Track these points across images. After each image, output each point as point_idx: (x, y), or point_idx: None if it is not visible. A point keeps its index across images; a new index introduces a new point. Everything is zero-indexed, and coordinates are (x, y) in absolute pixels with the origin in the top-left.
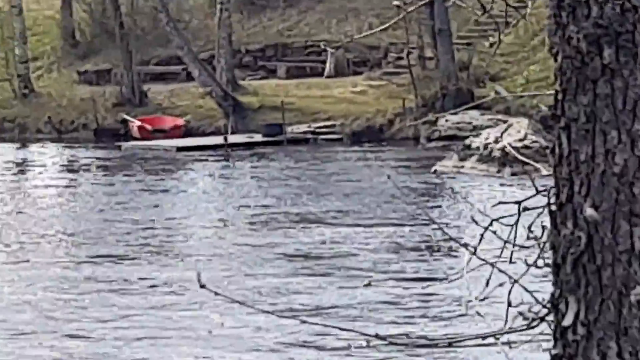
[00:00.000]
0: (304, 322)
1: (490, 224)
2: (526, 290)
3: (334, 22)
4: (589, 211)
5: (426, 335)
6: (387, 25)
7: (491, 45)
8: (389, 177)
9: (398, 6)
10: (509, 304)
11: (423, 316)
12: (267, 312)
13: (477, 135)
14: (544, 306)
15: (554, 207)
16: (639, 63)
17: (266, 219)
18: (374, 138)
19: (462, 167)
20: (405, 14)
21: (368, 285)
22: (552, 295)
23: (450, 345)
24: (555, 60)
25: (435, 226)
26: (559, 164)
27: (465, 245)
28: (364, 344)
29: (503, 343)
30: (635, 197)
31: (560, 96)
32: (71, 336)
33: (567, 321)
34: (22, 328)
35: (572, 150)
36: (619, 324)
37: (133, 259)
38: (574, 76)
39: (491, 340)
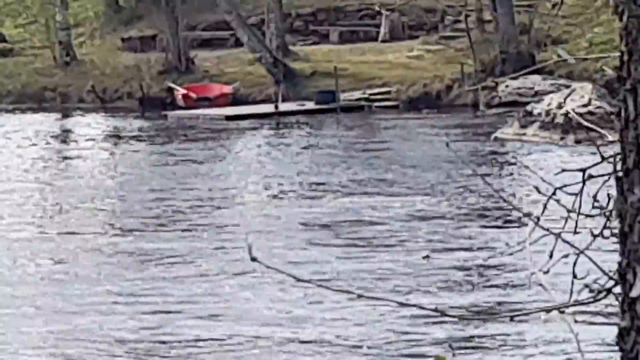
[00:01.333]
0: (360, 296)
1: (554, 193)
2: (592, 261)
3: None
4: None
5: (487, 308)
6: None
7: (553, 6)
8: (447, 144)
9: None
10: (574, 276)
11: (484, 288)
12: (322, 286)
13: (539, 101)
14: (611, 277)
15: (620, 174)
16: None
17: (316, 190)
18: (431, 105)
19: (524, 134)
20: None
21: (426, 257)
22: (619, 265)
23: (512, 319)
24: (621, 19)
25: (496, 195)
26: (625, 128)
27: (528, 215)
28: (422, 318)
29: (568, 316)
30: None
31: (626, 57)
32: (110, 308)
33: (635, 292)
34: (50, 300)
35: (639, 113)
36: None
37: (175, 229)
38: None
39: (555, 313)
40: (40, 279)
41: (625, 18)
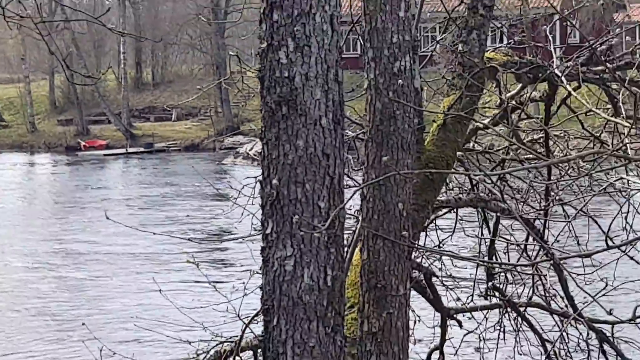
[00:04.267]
0: (154, 233)
1: (243, 187)
2: (254, 215)
3: (176, 96)
4: (275, 181)
5: (211, 236)
6: (196, 95)
7: (242, 105)
8: (192, 167)
9: (200, 88)
10: (252, 224)
11: (209, 227)
12: (145, 230)
13: (242, 147)
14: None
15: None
16: (299, 114)
17: (143, 187)
18: (195, 149)
19: (236, 162)
20: (204, 91)
21: (187, 216)
22: (262, 217)
23: (221, 242)
24: (261, 112)
25: (217, 189)
26: (263, 159)
27: (228, 198)
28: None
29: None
30: (297, 174)
31: (263, 128)
32: None
33: (268, 230)
34: None
35: (269, 153)
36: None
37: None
38: (269, 120)
39: (241, 241)
40: None
41: (263, 111)
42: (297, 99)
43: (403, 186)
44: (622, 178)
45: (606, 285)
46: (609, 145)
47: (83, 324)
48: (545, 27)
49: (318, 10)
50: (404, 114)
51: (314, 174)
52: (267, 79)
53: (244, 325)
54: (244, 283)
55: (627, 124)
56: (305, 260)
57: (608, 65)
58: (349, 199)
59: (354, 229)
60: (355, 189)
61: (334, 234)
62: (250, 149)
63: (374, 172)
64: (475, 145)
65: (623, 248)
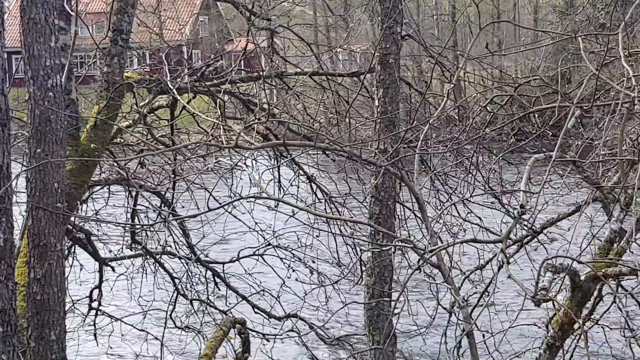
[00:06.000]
0: None
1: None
2: None
3: None
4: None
5: None
6: None
7: None
8: None
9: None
10: None
11: None
12: None
13: None
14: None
15: None
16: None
17: None
18: None
19: None
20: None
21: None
22: None
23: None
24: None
25: None
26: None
27: None
28: None
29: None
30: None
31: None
32: None
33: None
34: None
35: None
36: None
37: None
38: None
39: None
40: None
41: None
42: None
43: (58, 170)
44: (219, 160)
45: (204, 236)
46: (218, 138)
47: None
48: (161, 54)
49: None
50: (57, 118)
51: None
52: None
53: None
54: None
55: (214, 120)
56: None
57: (215, 81)
58: (12, 180)
59: None
60: (18, 173)
61: (4, 207)
62: None
63: (34, 161)
64: (122, 140)
65: (226, 207)
